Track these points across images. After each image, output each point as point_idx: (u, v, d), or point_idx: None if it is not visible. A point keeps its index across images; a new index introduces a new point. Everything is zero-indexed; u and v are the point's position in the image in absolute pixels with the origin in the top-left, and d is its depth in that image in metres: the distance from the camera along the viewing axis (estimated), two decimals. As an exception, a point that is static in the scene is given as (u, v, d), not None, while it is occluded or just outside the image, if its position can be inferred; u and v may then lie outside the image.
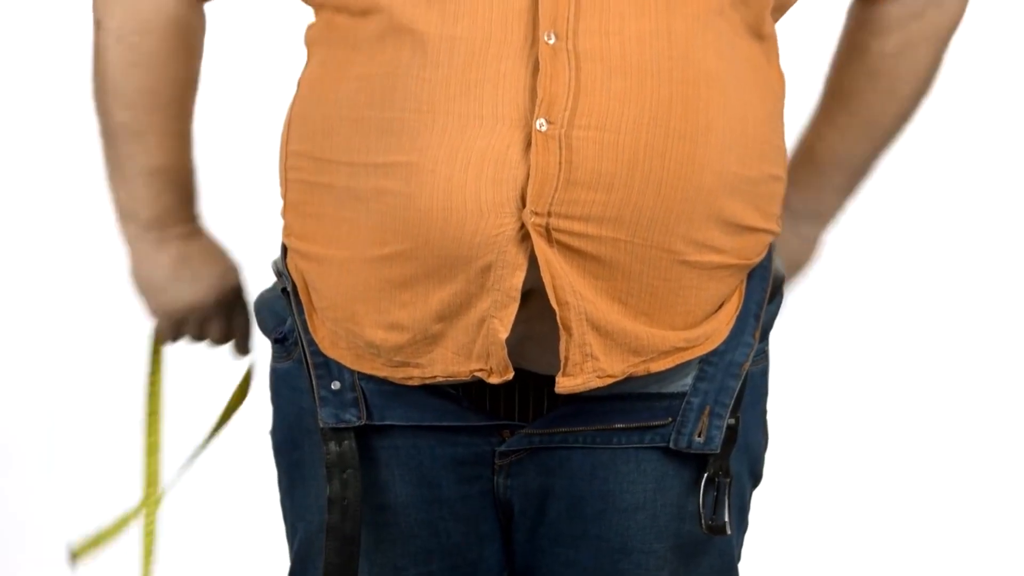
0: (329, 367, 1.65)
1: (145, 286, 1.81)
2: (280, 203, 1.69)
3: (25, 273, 3.35)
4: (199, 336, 1.86)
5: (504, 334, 1.51)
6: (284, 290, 1.69)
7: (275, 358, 1.73)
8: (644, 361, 1.57)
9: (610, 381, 1.56)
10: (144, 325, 1.83)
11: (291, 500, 1.76)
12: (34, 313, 3.36)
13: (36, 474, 3.31)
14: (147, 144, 1.74)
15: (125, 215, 1.77)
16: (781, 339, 1.87)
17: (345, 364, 1.63)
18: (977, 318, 3.35)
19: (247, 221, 2.83)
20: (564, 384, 1.54)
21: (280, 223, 1.70)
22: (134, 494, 3.26)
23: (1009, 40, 3.30)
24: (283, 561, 1.78)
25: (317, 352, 1.65)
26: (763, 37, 1.59)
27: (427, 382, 1.58)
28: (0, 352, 3.37)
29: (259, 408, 1.84)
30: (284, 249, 1.70)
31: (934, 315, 3.35)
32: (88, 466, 3.30)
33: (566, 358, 1.53)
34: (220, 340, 1.87)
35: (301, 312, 1.66)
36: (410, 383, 1.59)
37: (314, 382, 1.65)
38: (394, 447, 1.66)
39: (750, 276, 1.67)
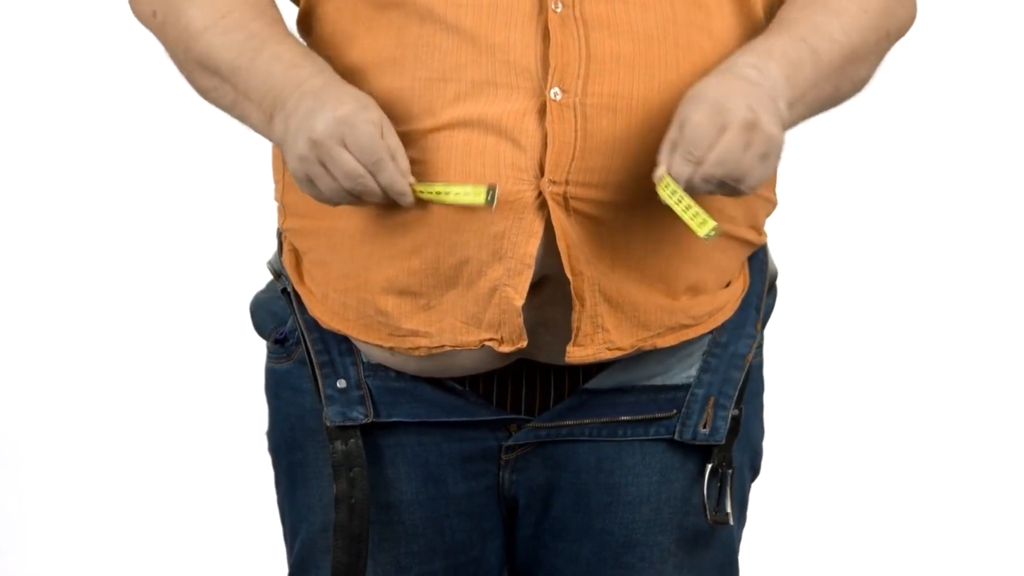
0: (334, 365, 1.65)
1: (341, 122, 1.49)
2: (274, 201, 1.69)
3: (24, 273, 3.34)
4: None
5: (519, 301, 1.51)
6: (284, 291, 1.69)
7: (273, 359, 1.72)
8: (652, 336, 1.58)
9: (619, 354, 1.57)
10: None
11: (291, 501, 1.74)
12: (31, 313, 3.34)
13: (31, 475, 3.30)
14: (274, 47, 1.55)
15: (275, 107, 1.53)
16: (778, 334, 1.88)
17: (352, 336, 1.61)
18: (972, 314, 3.36)
19: (244, 221, 2.83)
20: (574, 353, 1.55)
21: (274, 222, 1.70)
22: (129, 494, 3.25)
23: (1008, 40, 3.32)
24: (281, 563, 1.77)
25: (322, 351, 1.65)
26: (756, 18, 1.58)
27: (434, 352, 1.57)
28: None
29: (257, 409, 1.83)
30: (280, 247, 1.70)
31: (929, 310, 3.36)
32: (84, 467, 3.29)
33: (577, 328, 1.54)
34: None
35: (304, 312, 1.65)
36: (417, 353, 1.58)
37: (320, 381, 1.65)
38: (400, 444, 1.66)
39: (750, 269, 1.69)
